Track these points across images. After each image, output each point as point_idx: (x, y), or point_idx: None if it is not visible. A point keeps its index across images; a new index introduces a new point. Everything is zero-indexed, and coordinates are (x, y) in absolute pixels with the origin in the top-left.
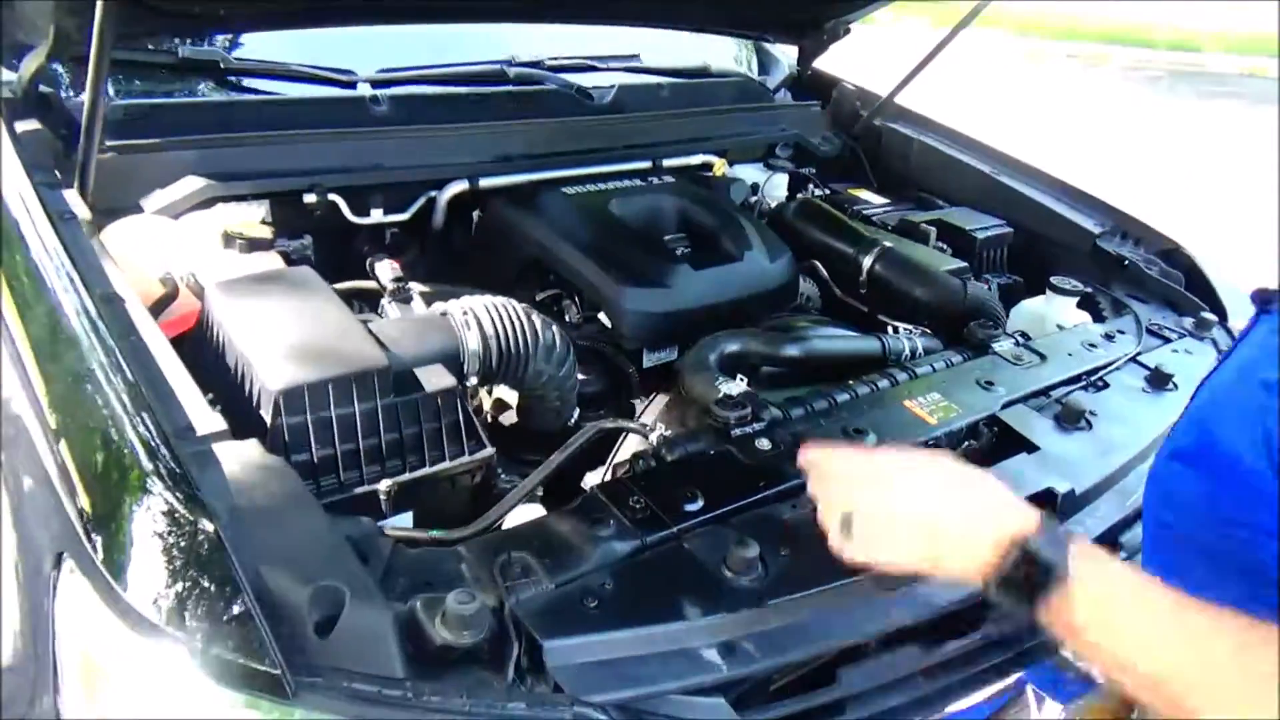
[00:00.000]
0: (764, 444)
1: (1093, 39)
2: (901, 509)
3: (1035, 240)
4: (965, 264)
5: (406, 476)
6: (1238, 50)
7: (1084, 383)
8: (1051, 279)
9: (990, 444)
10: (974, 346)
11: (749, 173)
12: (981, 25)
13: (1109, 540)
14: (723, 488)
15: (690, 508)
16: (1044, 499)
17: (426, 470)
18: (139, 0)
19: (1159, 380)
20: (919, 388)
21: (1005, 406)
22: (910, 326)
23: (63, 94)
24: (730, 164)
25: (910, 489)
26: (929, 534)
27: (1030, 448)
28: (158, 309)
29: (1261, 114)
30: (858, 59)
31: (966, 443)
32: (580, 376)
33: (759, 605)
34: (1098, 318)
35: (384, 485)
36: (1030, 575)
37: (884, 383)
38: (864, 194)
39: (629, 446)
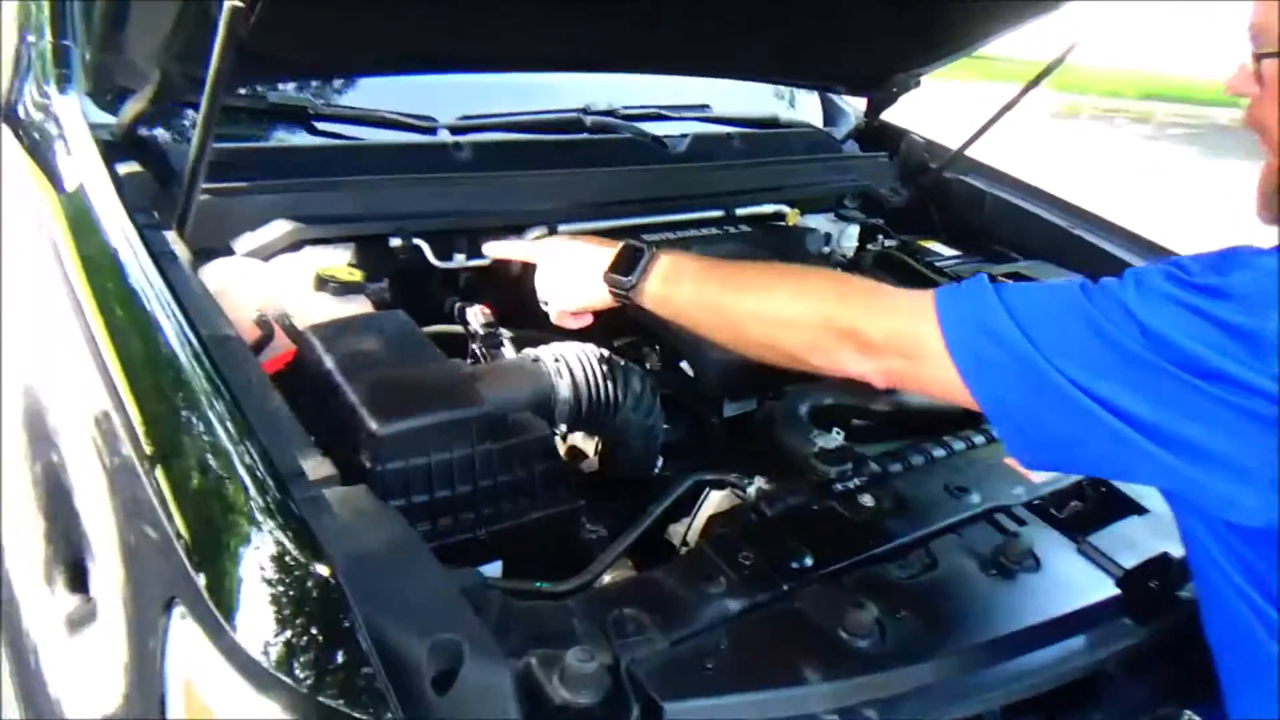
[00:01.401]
0: (867, 500)
1: (1132, 95)
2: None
3: None
4: None
5: (501, 525)
6: None
7: None
8: None
9: (1097, 505)
10: None
11: (819, 223)
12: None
13: None
14: (830, 545)
15: (799, 565)
16: (1161, 565)
17: (520, 519)
18: (251, 51)
19: None
20: None
21: None
22: None
23: (159, 137)
24: (801, 214)
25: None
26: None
27: (1139, 510)
28: (255, 350)
29: None
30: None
31: (1073, 503)
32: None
33: (880, 670)
34: None
35: (479, 533)
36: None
37: (979, 438)
38: (935, 245)
39: (713, 499)
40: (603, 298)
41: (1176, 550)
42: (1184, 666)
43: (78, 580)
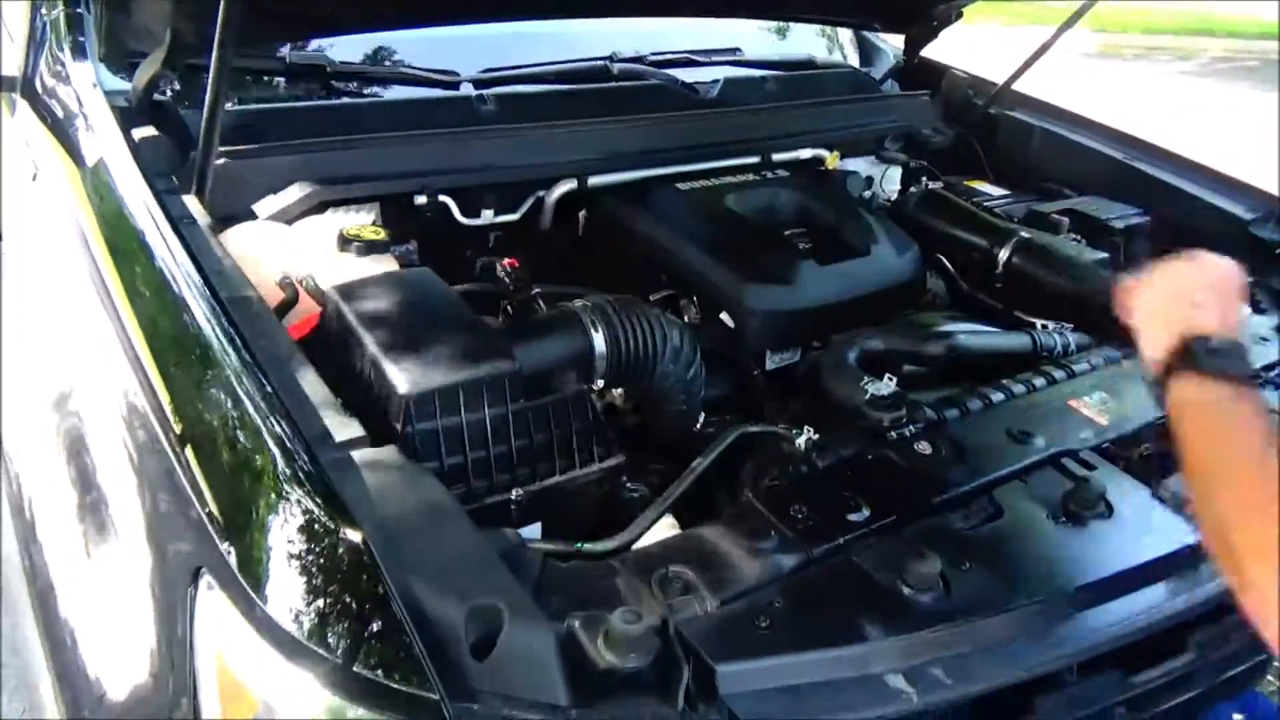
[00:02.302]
0: (924, 447)
1: (1171, 31)
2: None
3: (1177, 230)
4: (1105, 255)
5: (537, 485)
6: None
7: (1261, 379)
8: None
9: (1171, 447)
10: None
11: (861, 166)
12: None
13: None
14: (887, 495)
15: (855, 517)
16: None
17: (558, 478)
18: (258, 4)
19: None
20: (1080, 387)
21: None
22: (1050, 322)
23: (175, 101)
24: (841, 157)
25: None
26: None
27: None
28: (279, 314)
29: None
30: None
31: (1144, 445)
32: None
33: (946, 626)
34: (1256, 311)
35: (515, 494)
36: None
37: (1040, 381)
38: (982, 185)
39: (763, 455)
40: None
41: None
42: None
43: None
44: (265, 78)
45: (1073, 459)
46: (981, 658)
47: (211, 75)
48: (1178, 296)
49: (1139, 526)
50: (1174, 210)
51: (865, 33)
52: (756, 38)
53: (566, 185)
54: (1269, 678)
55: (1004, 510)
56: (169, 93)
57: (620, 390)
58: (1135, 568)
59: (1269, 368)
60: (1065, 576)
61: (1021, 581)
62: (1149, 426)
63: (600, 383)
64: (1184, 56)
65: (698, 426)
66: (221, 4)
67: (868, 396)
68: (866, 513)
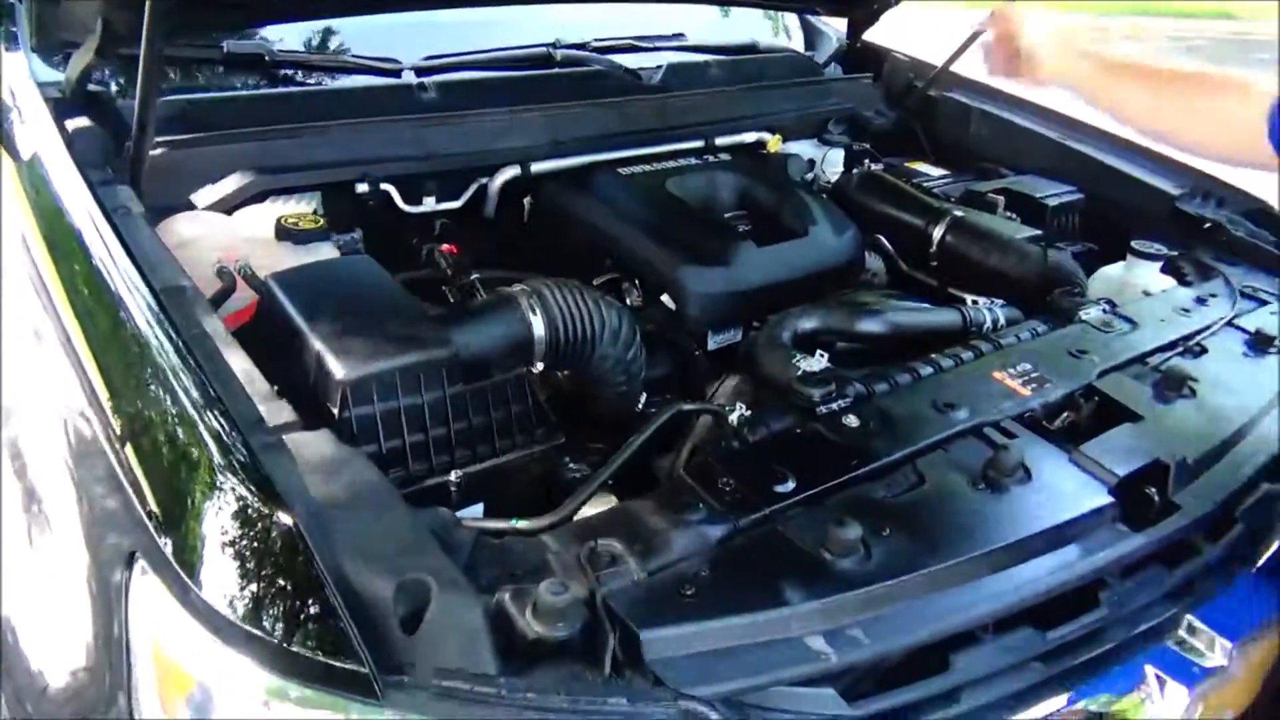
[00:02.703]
0: (851, 421)
1: (1127, 12)
2: None
3: (1109, 206)
4: (1038, 232)
5: (477, 467)
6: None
7: (1180, 349)
8: (1133, 243)
9: (1090, 415)
10: (1060, 315)
11: (803, 149)
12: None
13: (1224, 513)
14: (813, 467)
15: (781, 489)
16: (1154, 471)
17: (497, 460)
18: None
19: (1262, 342)
20: (1007, 359)
21: (1101, 375)
22: (984, 298)
23: (111, 91)
24: (784, 141)
25: None
26: None
27: (1133, 417)
28: (215, 303)
29: None
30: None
31: (1064, 414)
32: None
33: (865, 588)
34: (1183, 283)
35: (454, 476)
36: None
37: (968, 355)
38: (922, 166)
39: (699, 431)
40: None
41: (1173, 456)
42: (1184, 573)
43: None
44: (206, 67)
45: (995, 428)
46: (899, 618)
47: (142, 64)
48: None
49: (1056, 491)
50: (1105, 187)
51: (809, 17)
52: (701, 23)
53: (510, 172)
54: (1180, 632)
55: (926, 479)
56: (113, 85)
57: (567, 373)
58: (1050, 529)
59: (1188, 338)
60: (983, 539)
61: (940, 545)
62: (1069, 396)
63: (540, 365)
64: (1132, 37)
65: (640, 407)
66: None
67: (799, 373)
68: (792, 484)
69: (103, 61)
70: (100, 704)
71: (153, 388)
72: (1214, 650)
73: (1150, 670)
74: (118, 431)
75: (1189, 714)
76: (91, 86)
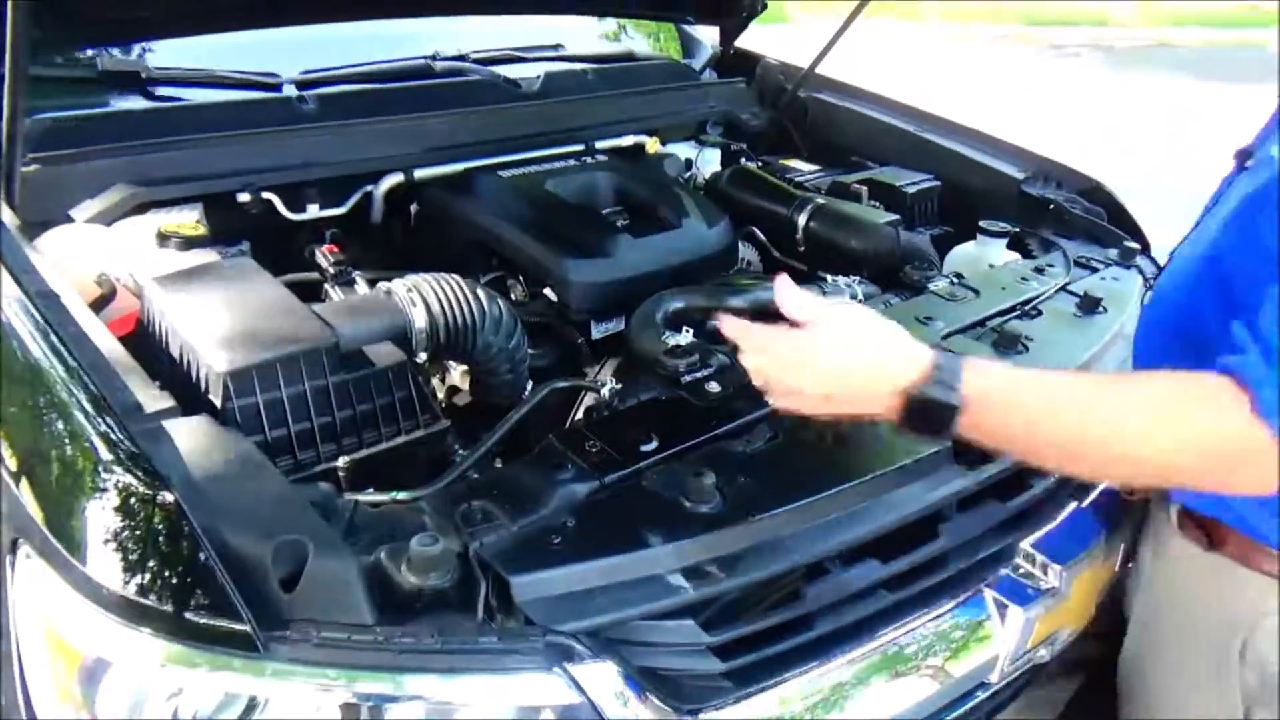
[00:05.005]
0: (714, 387)
1: (1016, 21)
2: (809, 373)
3: (963, 191)
4: (897, 216)
5: (363, 453)
6: (1150, 23)
7: (1018, 312)
8: (980, 223)
9: None
10: (910, 288)
11: (681, 150)
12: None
13: None
14: (676, 429)
15: (647, 448)
16: None
17: (382, 445)
18: (58, 9)
19: (1089, 305)
20: None
21: (946, 338)
22: (844, 276)
23: None
24: (663, 143)
25: (816, 351)
26: (838, 388)
27: None
28: (96, 309)
29: (1174, 80)
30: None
31: None
32: (531, 351)
33: (719, 529)
34: (1028, 257)
35: (341, 462)
36: (929, 414)
37: None
38: (795, 163)
39: (585, 409)
40: (885, 409)
41: None
42: (1018, 505)
43: None
44: (80, 86)
45: None
46: (752, 555)
47: (7, 82)
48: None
49: (899, 437)
50: (959, 173)
51: (685, 26)
52: (579, 35)
53: (394, 178)
54: (1017, 560)
55: (780, 434)
56: None
57: (463, 368)
58: (891, 470)
59: (1026, 303)
60: (831, 481)
61: (791, 489)
62: None
63: (422, 355)
64: (1027, 43)
65: (526, 393)
66: (10, 9)
67: (667, 347)
68: (656, 444)
69: None
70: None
71: (33, 384)
72: (1048, 574)
73: (990, 594)
74: None
75: (1026, 633)
76: None
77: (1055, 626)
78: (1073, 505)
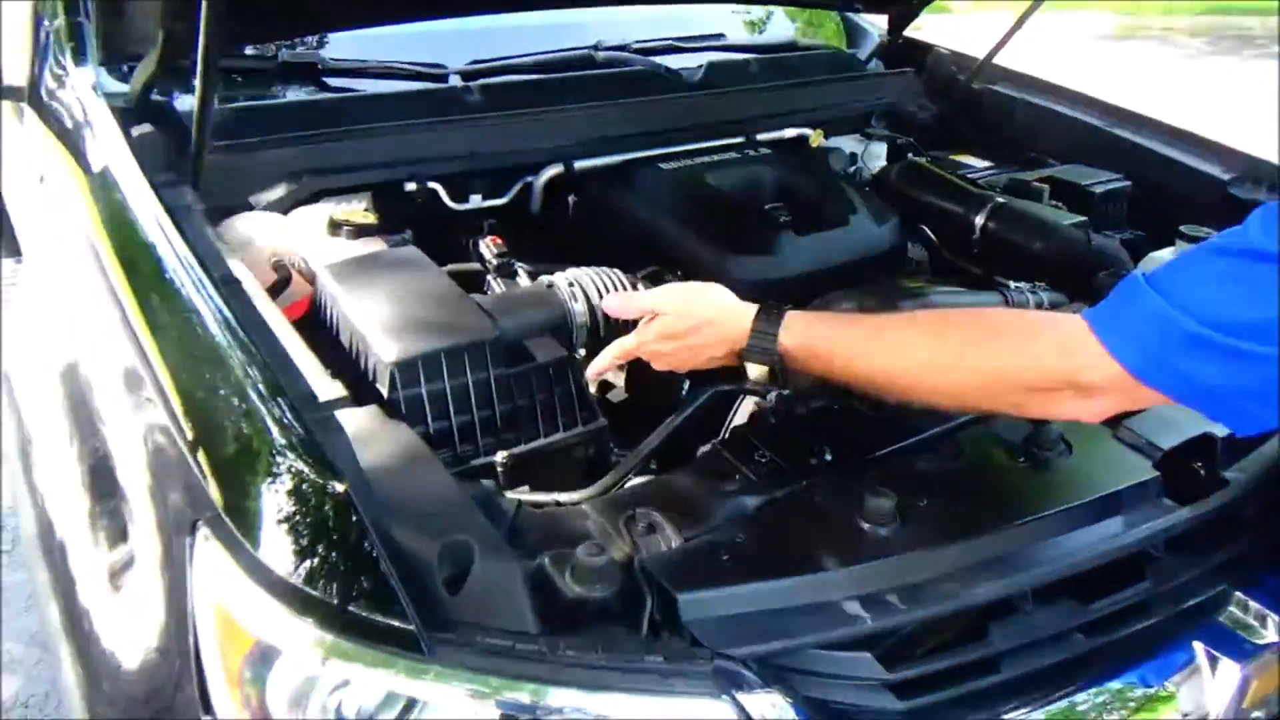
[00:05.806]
0: None
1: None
2: (673, 345)
3: (1158, 192)
4: (1084, 218)
5: (522, 448)
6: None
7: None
8: (1181, 227)
9: None
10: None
11: (846, 144)
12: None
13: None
14: (850, 441)
15: (816, 461)
16: (1204, 445)
17: (541, 442)
18: (245, 4)
19: None
20: None
21: None
22: (1027, 282)
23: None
24: (827, 136)
25: (669, 329)
26: (694, 357)
27: None
28: (271, 295)
29: None
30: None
31: None
32: None
33: (900, 554)
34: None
35: (500, 457)
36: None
37: None
38: (967, 159)
39: (744, 414)
40: (721, 358)
41: (1219, 430)
42: (1233, 548)
43: (122, 544)
44: (261, 78)
45: None
46: (935, 586)
47: (199, 73)
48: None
49: (1097, 464)
50: (1154, 174)
51: (850, 15)
52: (741, 24)
53: (554, 169)
54: (1230, 608)
55: (965, 453)
56: (175, 94)
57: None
58: (1091, 501)
59: None
60: (1021, 510)
61: (977, 515)
62: None
63: (582, 351)
64: (1195, 34)
65: (684, 391)
66: (204, 5)
67: None
68: (829, 457)
69: (165, 72)
70: (171, 679)
71: (213, 369)
72: (1267, 626)
73: (1200, 646)
74: (180, 409)
75: (1241, 691)
76: (155, 96)
77: (1274, 687)
78: None
